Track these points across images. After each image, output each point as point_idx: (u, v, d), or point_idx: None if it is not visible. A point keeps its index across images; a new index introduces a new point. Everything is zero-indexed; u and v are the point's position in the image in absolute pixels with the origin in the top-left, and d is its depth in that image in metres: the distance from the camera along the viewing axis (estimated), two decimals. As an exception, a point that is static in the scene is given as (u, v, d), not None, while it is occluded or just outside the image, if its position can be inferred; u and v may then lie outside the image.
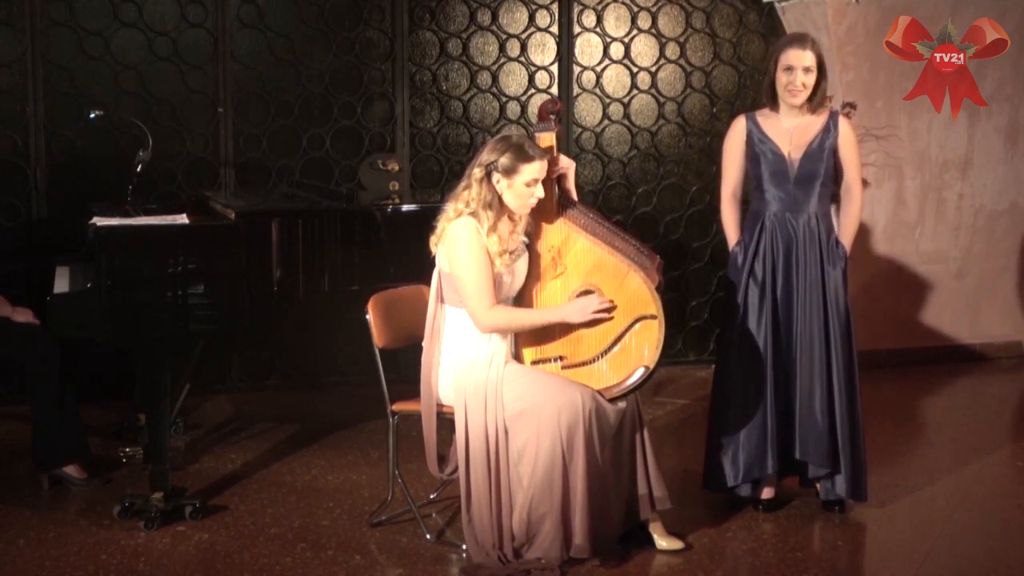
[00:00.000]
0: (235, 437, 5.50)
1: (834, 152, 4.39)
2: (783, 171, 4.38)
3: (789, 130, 4.40)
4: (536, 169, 3.93)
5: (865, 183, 6.99)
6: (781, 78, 4.35)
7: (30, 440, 4.70)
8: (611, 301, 3.96)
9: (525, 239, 4.08)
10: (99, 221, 4.49)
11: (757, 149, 4.42)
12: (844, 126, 4.41)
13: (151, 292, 4.31)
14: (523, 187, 3.93)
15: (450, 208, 3.99)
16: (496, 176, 3.93)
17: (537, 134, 4.11)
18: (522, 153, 3.92)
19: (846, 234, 4.46)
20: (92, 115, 5.46)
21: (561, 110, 4.43)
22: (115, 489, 4.67)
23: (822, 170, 4.37)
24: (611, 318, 3.96)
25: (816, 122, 4.40)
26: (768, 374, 4.38)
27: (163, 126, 6.11)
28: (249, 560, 4.01)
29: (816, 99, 4.37)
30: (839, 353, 4.39)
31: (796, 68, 4.31)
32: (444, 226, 3.97)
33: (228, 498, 4.63)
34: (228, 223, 4.59)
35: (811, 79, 4.32)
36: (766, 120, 4.45)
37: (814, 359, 4.37)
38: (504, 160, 3.91)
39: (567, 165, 4.15)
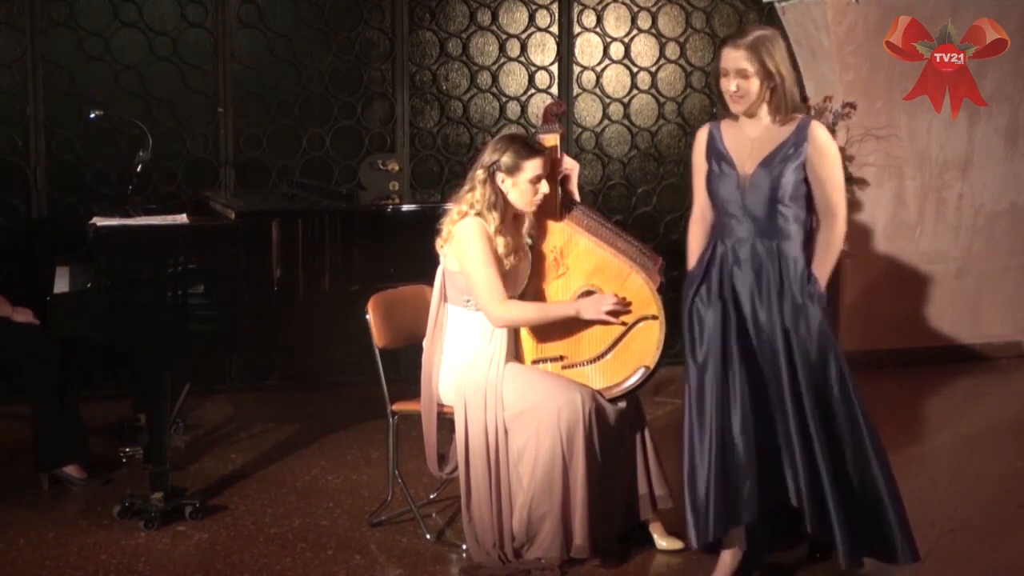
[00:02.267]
0: (235, 437, 5.50)
1: (803, 167, 3.60)
2: (735, 189, 3.67)
3: (751, 141, 3.67)
4: (538, 164, 3.93)
5: (865, 183, 7.00)
6: (722, 83, 3.66)
7: (30, 440, 4.70)
8: (624, 300, 3.95)
9: (528, 240, 4.08)
10: (99, 221, 4.49)
11: (712, 162, 3.76)
12: (817, 135, 3.59)
13: (151, 292, 4.31)
14: (527, 184, 3.93)
15: (454, 211, 3.99)
16: (500, 176, 3.93)
17: (541, 136, 4.12)
18: (523, 150, 3.92)
19: (820, 265, 3.62)
20: (92, 115, 5.47)
21: (565, 112, 4.40)
22: (115, 489, 4.66)
23: (781, 189, 3.58)
24: (618, 320, 3.96)
25: (781, 132, 3.63)
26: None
27: (163, 126, 6.11)
28: (249, 560, 4.01)
29: (783, 107, 3.61)
30: (820, 412, 3.61)
31: (729, 72, 3.61)
32: (450, 228, 3.97)
33: (228, 498, 4.62)
34: (228, 223, 4.59)
35: (748, 85, 3.58)
36: (729, 130, 3.73)
37: (789, 421, 3.62)
38: (506, 159, 3.91)
39: (571, 167, 4.15)
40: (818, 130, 3.60)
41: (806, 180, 3.63)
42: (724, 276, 3.66)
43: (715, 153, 3.74)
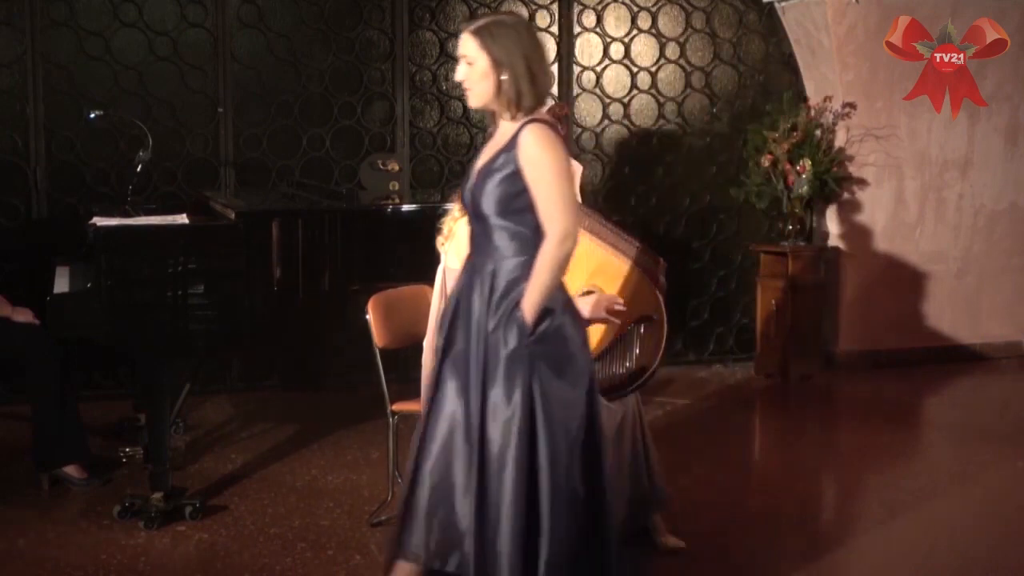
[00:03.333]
0: (235, 437, 5.50)
1: (518, 177, 3.03)
2: (464, 198, 3.19)
3: (491, 143, 3.18)
4: None
5: (865, 183, 7.01)
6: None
7: (30, 440, 4.70)
8: (624, 303, 3.94)
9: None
10: (99, 221, 4.49)
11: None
12: (524, 140, 3.01)
13: (151, 292, 4.31)
14: None
15: (456, 208, 3.98)
16: None
17: None
18: None
19: (528, 291, 3.03)
20: (92, 115, 5.47)
21: (567, 114, 4.39)
22: (115, 489, 4.66)
23: (493, 200, 3.06)
24: (617, 322, 3.96)
25: (508, 135, 3.09)
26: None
27: (163, 126, 6.11)
28: (249, 560, 4.01)
29: (512, 104, 3.06)
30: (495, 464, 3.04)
31: (460, 58, 3.13)
32: (452, 226, 3.97)
33: (228, 498, 4.62)
34: (228, 223, 4.59)
35: (472, 74, 3.07)
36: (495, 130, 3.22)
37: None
38: None
39: (575, 169, 4.15)
40: (528, 133, 3.02)
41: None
42: (454, 299, 3.22)
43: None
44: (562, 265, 3.04)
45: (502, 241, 3.08)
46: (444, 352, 3.15)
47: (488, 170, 3.07)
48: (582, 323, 3.21)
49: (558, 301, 3.08)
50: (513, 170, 3.03)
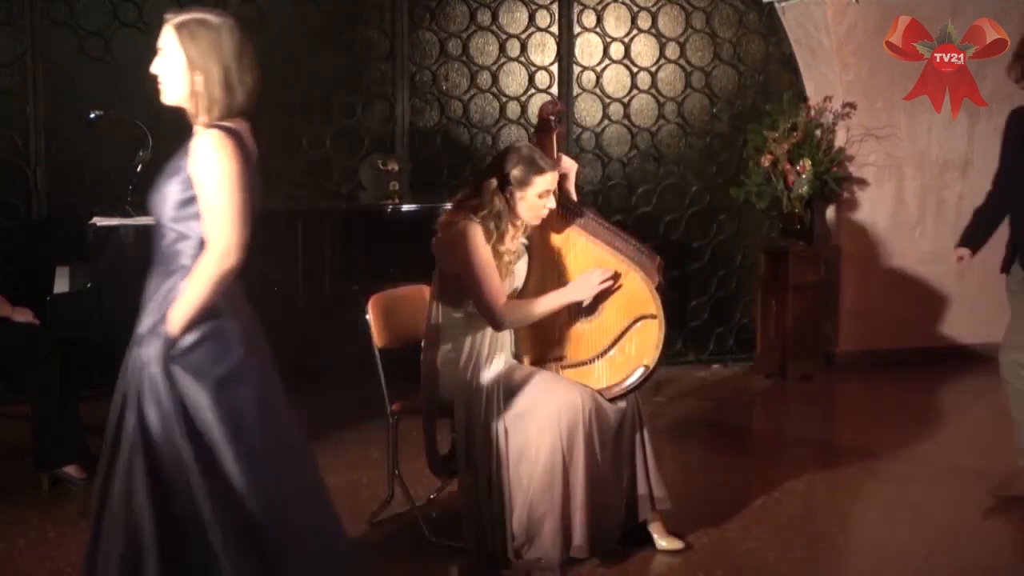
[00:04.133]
0: (235, 437, 5.49)
1: (190, 181, 2.90)
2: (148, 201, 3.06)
3: None
4: (548, 181, 3.93)
5: (865, 183, 7.02)
6: None
7: (30, 440, 4.70)
8: (615, 271, 3.95)
9: (525, 241, 4.08)
10: (99, 221, 4.49)
11: None
12: (202, 144, 2.89)
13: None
14: (535, 198, 3.93)
15: (453, 213, 3.98)
16: (510, 188, 3.92)
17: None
18: (533, 165, 3.92)
19: (178, 303, 2.89)
20: (92, 115, 5.46)
21: (561, 111, 4.39)
22: (115, 489, 4.66)
23: (167, 204, 2.93)
24: (619, 286, 3.95)
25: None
26: None
27: (163, 126, 6.09)
28: (249, 560, 4.00)
29: (202, 109, 2.96)
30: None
31: (158, 49, 3.01)
32: (448, 232, 3.97)
33: (228, 498, 4.61)
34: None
35: (166, 68, 2.97)
36: None
37: None
38: (517, 172, 3.91)
39: (569, 166, 4.15)
40: (199, 139, 2.90)
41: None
42: None
43: None
44: (220, 281, 2.86)
45: (171, 248, 2.94)
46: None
47: (166, 172, 2.94)
48: (248, 330, 3.02)
49: (221, 309, 2.91)
50: (186, 176, 2.89)
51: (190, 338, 2.89)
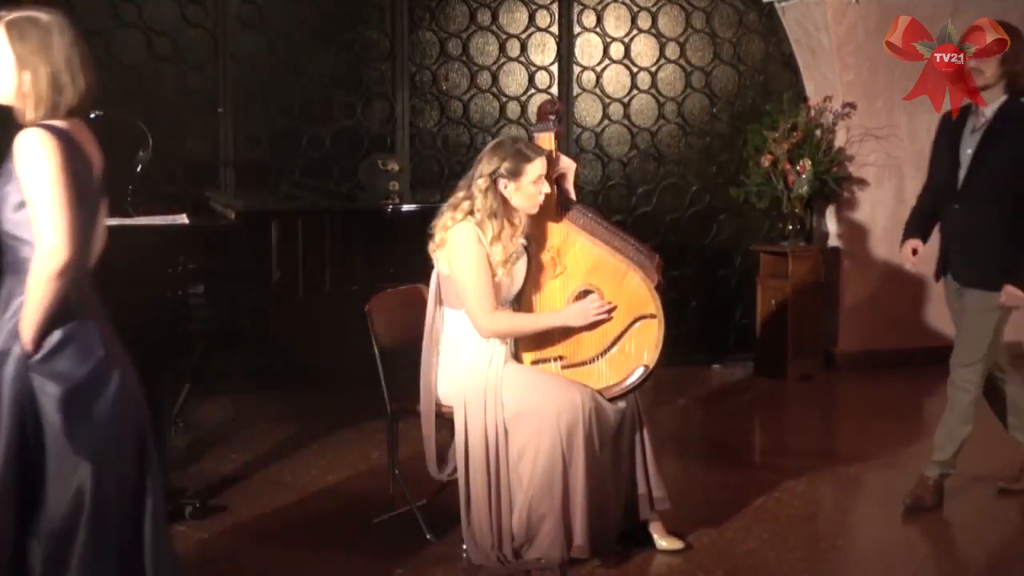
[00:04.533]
0: (235, 437, 5.50)
1: (18, 182, 2.80)
2: None
3: None
4: (539, 166, 3.93)
5: (865, 183, 7.01)
6: None
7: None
8: (611, 303, 3.96)
9: (524, 241, 4.08)
10: (99, 221, 4.49)
11: None
12: (20, 142, 2.78)
13: (151, 292, 4.31)
14: (530, 186, 3.93)
15: (447, 216, 3.97)
16: (503, 182, 3.92)
17: (536, 134, 4.12)
18: (522, 154, 3.92)
19: (24, 310, 2.78)
20: (92, 115, 5.43)
21: (561, 111, 4.39)
22: (115, 489, 4.66)
23: (5, 207, 2.84)
24: (611, 319, 3.97)
25: None
26: None
27: (163, 126, 6.10)
28: (249, 560, 4.01)
29: (39, 111, 2.85)
30: None
31: None
32: (443, 236, 3.96)
33: (228, 498, 4.62)
34: (228, 223, 4.60)
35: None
36: None
37: None
38: (508, 164, 3.91)
39: (567, 166, 4.15)
40: (21, 139, 2.78)
41: None
42: None
43: None
44: (55, 280, 2.74)
45: (12, 254, 2.83)
46: None
47: (2, 177, 2.83)
48: (106, 331, 2.94)
49: (74, 311, 2.83)
50: (14, 176, 2.79)
51: (48, 344, 2.80)
